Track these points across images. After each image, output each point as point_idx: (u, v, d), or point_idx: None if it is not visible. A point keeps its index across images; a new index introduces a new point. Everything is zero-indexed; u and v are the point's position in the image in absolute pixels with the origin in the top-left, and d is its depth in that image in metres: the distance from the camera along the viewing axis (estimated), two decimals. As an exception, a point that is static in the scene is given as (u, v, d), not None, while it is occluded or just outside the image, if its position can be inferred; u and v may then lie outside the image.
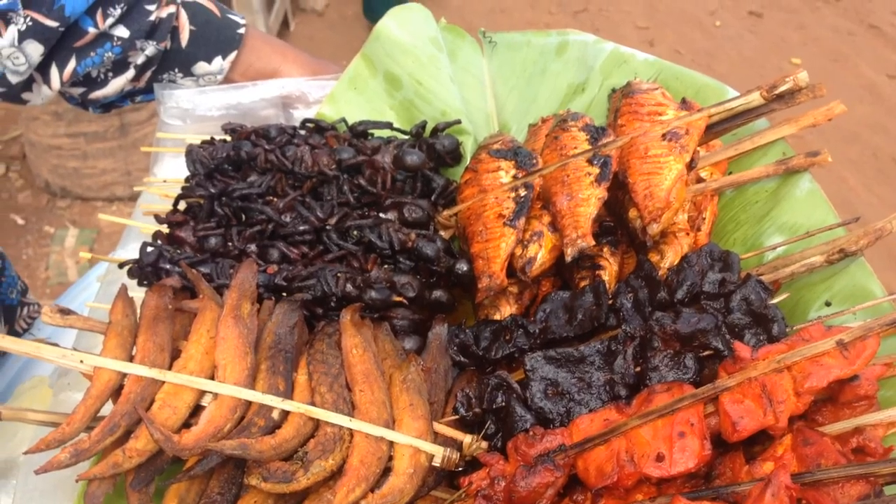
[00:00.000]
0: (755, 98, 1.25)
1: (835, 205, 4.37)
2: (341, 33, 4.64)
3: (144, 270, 1.18)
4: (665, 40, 4.73)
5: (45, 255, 3.77)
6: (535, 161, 1.28)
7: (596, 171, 1.22)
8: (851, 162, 4.01)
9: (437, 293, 1.19)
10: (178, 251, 1.15)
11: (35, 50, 1.29)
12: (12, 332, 1.73)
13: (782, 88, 1.24)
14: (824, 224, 1.17)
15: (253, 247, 1.14)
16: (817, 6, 5.07)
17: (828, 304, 1.10)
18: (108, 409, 0.97)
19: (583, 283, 1.19)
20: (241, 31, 1.45)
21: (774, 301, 1.06)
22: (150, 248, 1.18)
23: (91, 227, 3.86)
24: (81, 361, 1.00)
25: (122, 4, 1.34)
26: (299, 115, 1.45)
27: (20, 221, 3.89)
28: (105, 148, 3.78)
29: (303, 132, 1.34)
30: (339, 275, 1.10)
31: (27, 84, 1.37)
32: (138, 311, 1.06)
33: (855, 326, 0.95)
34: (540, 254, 1.19)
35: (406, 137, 1.37)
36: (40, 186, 3.96)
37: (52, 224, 3.88)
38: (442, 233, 1.29)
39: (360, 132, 1.35)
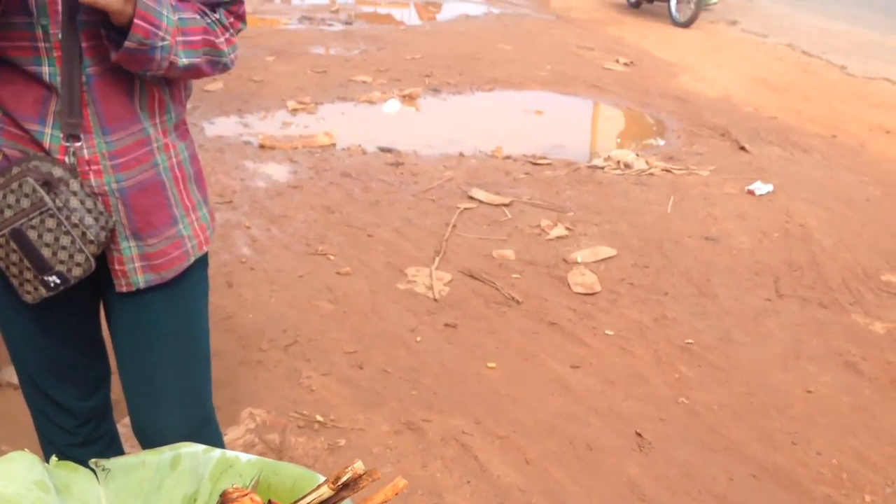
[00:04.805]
0: (325, 490, 1.39)
1: (541, 499, 4.55)
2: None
3: None
4: (373, 362, 5.03)
5: None
6: None
7: None
8: (552, 454, 4.33)
9: None
10: None
11: None
12: None
13: (345, 478, 1.38)
14: None
15: None
16: (503, 311, 5.69)
17: None
18: None
19: None
20: None
21: None
22: None
23: None
24: None
25: None
26: None
27: None
28: None
29: None
30: None
31: None
32: None
33: None
34: None
35: None
36: None
37: None
38: None
39: None
